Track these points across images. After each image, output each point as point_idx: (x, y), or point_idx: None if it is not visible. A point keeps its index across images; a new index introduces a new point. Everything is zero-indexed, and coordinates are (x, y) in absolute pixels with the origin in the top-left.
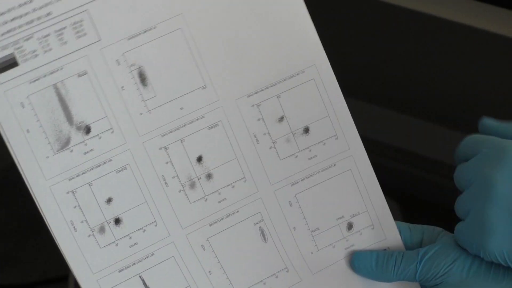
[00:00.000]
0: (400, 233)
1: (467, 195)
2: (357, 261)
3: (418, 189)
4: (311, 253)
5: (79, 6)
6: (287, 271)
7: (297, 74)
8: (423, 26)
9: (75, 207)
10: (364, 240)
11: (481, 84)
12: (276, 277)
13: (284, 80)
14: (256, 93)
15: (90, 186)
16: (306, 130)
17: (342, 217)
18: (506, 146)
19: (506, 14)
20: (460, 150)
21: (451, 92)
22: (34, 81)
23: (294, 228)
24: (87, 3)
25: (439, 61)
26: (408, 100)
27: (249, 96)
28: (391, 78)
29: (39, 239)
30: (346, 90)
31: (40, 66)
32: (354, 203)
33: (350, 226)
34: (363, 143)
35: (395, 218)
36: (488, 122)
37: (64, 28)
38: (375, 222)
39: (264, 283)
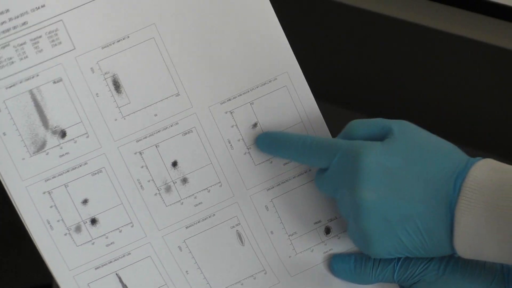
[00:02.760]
0: None
1: (340, 202)
2: (336, 264)
3: None
4: (289, 256)
5: (54, 16)
6: (265, 273)
7: (270, 81)
8: (399, 31)
9: (51, 206)
10: (342, 244)
11: (459, 88)
12: (254, 278)
13: (257, 87)
14: (229, 100)
15: (66, 187)
16: None
17: (320, 221)
18: (358, 153)
19: (488, 22)
20: (313, 155)
21: (433, 97)
22: (11, 86)
23: (272, 232)
24: (62, 13)
25: (420, 67)
26: (384, 106)
27: (222, 103)
28: (367, 83)
29: (23, 247)
30: (321, 96)
31: (16, 73)
32: (331, 208)
33: (327, 230)
34: None
35: None
36: (354, 124)
37: (40, 37)
38: None
39: (242, 284)
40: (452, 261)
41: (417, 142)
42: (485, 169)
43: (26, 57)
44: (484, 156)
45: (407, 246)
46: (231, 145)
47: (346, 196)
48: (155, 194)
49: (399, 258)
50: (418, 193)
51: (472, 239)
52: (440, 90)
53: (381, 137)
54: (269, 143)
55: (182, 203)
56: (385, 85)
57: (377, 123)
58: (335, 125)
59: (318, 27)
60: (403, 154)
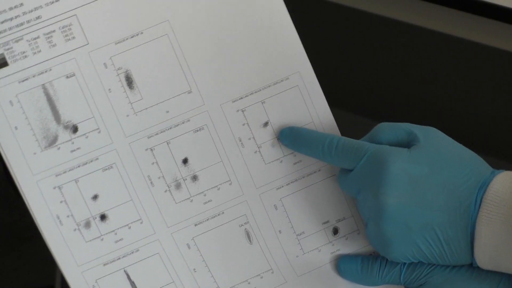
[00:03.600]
0: None
1: (361, 203)
2: (343, 265)
3: None
4: (297, 256)
5: (68, 11)
6: (272, 272)
7: (281, 81)
8: (400, 33)
9: (61, 202)
10: (350, 245)
11: (467, 93)
12: (261, 277)
13: (269, 86)
14: (241, 98)
15: (76, 182)
16: None
17: (328, 221)
18: (385, 159)
19: (493, 24)
20: (339, 155)
21: (441, 103)
22: (23, 80)
23: (280, 231)
24: (76, 8)
25: (430, 73)
26: (394, 111)
27: (234, 101)
28: (378, 89)
29: (23, 249)
30: (331, 101)
31: (30, 67)
32: (339, 208)
33: (335, 231)
34: None
35: None
36: (382, 127)
37: (53, 31)
38: (361, 227)
39: (249, 283)
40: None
41: (442, 151)
42: (507, 182)
43: (40, 51)
44: (483, 158)
45: (425, 253)
46: (241, 143)
47: (369, 199)
48: (165, 191)
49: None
50: (441, 203)
51: (492, 251)
52: (442, 92)
53: (407, 142)
54: (294, 138)
55: (191, 201)
56: (387, 88)
57: (404, 128)
58: (347, 132)
59: (318, 29)
60: (428, 162)
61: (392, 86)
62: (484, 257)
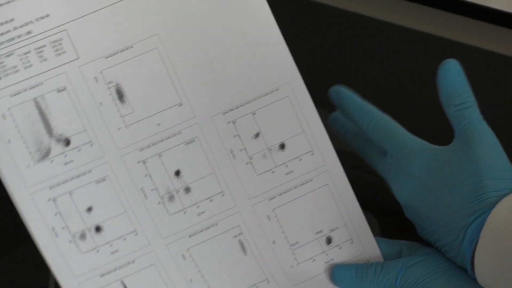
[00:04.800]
0: (378, 247)
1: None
2: (337, 273)
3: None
4: (291, 266)
5: (58, 26)
6: (268, 282)
7: (272, 92)
8: (393, 36)
9: (56, 214)
10: (344, 254)
11: None
12: (257, 287)
13: (259, 97)
14: (232, 110)
15: (70, 195)
16: (282, 146)
17: (321, 231)
18: (404, 158)
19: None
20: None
21: (431, 106)
22: (15, 94)
23: (274, 242)
24: (66, 23)
25: (417, 74)
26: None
27: (224, 113)
28: (368, 91)
29: (17, 253)
30: (321, 103)
31: (21, 81)
32: (332, 218)
33: (329, 240)
34: (341, 156)
35: (374, 233)
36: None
37: (44, 46)
38: (354, 236)
39: None
40: (457, 273)
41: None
42: (504, 212)
43: (31, 65)
44: None
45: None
46: (233, 154)
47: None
48: (159, 203)
49: (402, 266)
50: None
51: (488, 277)
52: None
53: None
54: (339, 101)
55: (185, 212)
56: (382, 91)
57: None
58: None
59: (313, 33)
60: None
61: (385, 88)
62: (481, 279)
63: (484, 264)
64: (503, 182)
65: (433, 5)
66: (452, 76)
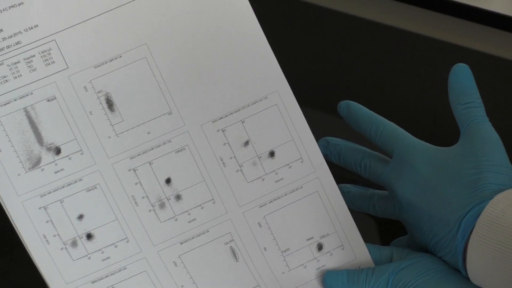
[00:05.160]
0: (369, 253)
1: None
2: (329, 280)
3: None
4: (283, 272)
5: (47, 36)
6: None
7: (260, 100)
8: (386, 37)
9: (47, 221)
10: (335, 261)
11: (444, 95)
12: None
13: (248, 105)
14: (221, 118)
15: (61, 203)
16: (272, 154)
17: (312, 238)
18: (410, 156)
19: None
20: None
21: (428, 108)
22: (5, 104)
23: (265, 249)
24: (55, 33)
25: (411, 77)
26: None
27: (214, 121)
28: (365, 93)
29: (14, 254)
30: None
31: (11, 91)
32: (323, 224)
33: (320, 247)
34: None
35: (372, 234)
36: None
37: (33, 56)
38: (345, 243)
39: None
40: (449, 275)
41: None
42: (501, 204)
43: (20, 75)
44: None
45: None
46: (223, 162)
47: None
48: (150, 210)
49: (393, 270)
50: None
51: (479, 270)
52: (429, 95)
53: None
54: (347, 113)
55: (176, 220)
56: (375, 91)
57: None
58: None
59: (306, 34)
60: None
61: (381, 90)
62: (473, 275)
63: (476, 255)
64: (503, 177)
65: (430, 7)
66: (463, 79)
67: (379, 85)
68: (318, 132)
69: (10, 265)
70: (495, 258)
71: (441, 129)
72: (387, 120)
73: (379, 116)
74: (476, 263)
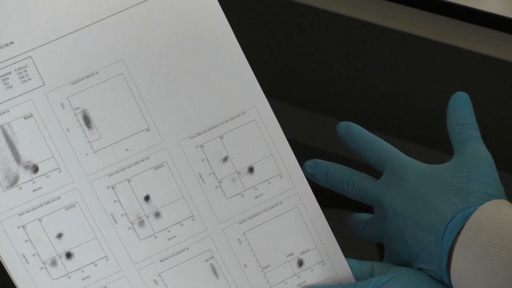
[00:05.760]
0: (350, 268)
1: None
2: None
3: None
4: None
5: (23, 53)
6: None
7: (239, 116)
8: (378, 37)
9: (26, 241)
10: (315, 277)
11: (437, 94)
12: None
13: (226, 121)
14: (199, 134)
15: (40, 221)
16: (251, 170)
17: (292, 254)
18: (401, 170)
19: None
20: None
21: (424, 109)
22: None
23: (245, 265)
24: (31, 50)
25: (408, 77)
26: (365, 113)
27: (192, 137)
28: (361, 95)
29: None
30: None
31: None
32: (303, 240)
33: (300, 263)
34: (337, 160)
35: (352, 249)
36: None
37: (9, 73)
38: (325, 258)
39: None
40: (430, 284)
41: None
42: (491, 209)
43: None
44: None
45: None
46: (202, 179)
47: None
48: (129, 228)
49: (374, 285)
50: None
51: (464, 274)
52: (423, 95)
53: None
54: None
55: (156, 237)
56: (366, 92)
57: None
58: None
59: (297, 34)
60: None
61: (373, 90)
62: (455, 278)
63: (463, 255)
64: (492, 188)
65: (424, 8)
66: (462, 105)
67: (374, 86)
68: (313, 133)
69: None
70: (481, 257)
71: (433, 129)
72: (383, 141)
73: (376, 136)
74: (462, 264)
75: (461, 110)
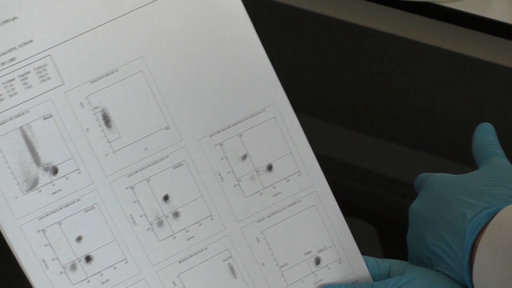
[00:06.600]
0: (367, 266)
1: None
2: None
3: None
4: None
5: (42, 51)
6: None
7: (258, 113)
8: (395, 48)
9: (45, 245)
10: (332, 275)
11: (456, 107)
12: None
13: (246, 119)
14: (218, 132)
15: (59, 225)
16: (270, 168)
17: (310, 252)
18: (429, 179)
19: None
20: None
21: (429, 117)
22: (1, 124)
23: (263, 264)
24: (50, 48)
25: (414, 85)
26: (368, 120)
27: (211, 135)
28: (368, 102)
29: (14, 264)
30: (324, 115)
31: (6, 110)
32: (321, 238)
33: (317, 261)
34: (343, 168)
35: (372, 243)
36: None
37: (28, 72)
38: (342, 256)
39: None
40: (449, 286)
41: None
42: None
43: (16, 93)
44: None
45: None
46: (221, 177)
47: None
48: (148, 229)
49: (391, 287)
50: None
51: (486, 272)
52: (430, 103)
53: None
54: None
55: (174, 238)
56: (382, 103)
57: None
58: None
59: (302, 41)
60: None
61: (377, 98)
62: (480, 277)
63: (485, 252)
64: None
65: (431, 15)
66: (486, 132)
67: (383, 93)
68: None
69: (12, 274)
70: (504, 255)
71: (440, 136)
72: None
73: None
74: (485, 261)
75: (485, 135)
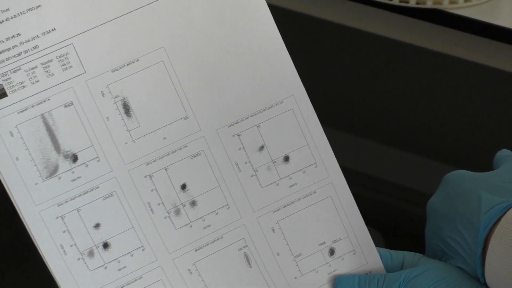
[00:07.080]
0: (381, 257)
1: None
2: (340, 285)
3: (402, 220)
4: (295, 278)
5: (65, 40)
6: None
7: (276, 105)
8: (403, 55)
9: (64, 231)
10: (346, 265)
11: (462, 114)
12: None
13: (264, 110)
14: (237, 123)
15: (78, 212)
16: (286, 159)
17: (324, 243)
18: (446, 178)
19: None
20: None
21: (433, 123)
22: (23, 111)
23: (278, 254)
24: (73, 36)
25: (421, 92)
26: (384, 129)
27: (229, 126)
28: (371, 108)
29: (24, 268)
30: (327, 121)
31: (28, 97)
32: (335, 229)
33: (332, 252)
34: (346, 174)
35: (382, 239)
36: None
37: (51, 60)
38: (356, 248)
39: None
40: (462, 280)
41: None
42: None
43: (38, 81)
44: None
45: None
46: (238, 167)
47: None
48: (165, 217)
49: (404, 278)
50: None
51: (499, 265)
52: (438, 109)
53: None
54: None
55: (191, 226)
56: (386, 109)
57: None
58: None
59: (317, 50)
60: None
61: (393, 107)
62: (492, 271)
63: (499, 246)
64: None
65: (440, 22)
66: (506, 153)
67: (389, 99)
68: None
69: (20, 278)
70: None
71: (447, 143)
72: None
73: None
74: (496, 254)
75: (505, 152)
